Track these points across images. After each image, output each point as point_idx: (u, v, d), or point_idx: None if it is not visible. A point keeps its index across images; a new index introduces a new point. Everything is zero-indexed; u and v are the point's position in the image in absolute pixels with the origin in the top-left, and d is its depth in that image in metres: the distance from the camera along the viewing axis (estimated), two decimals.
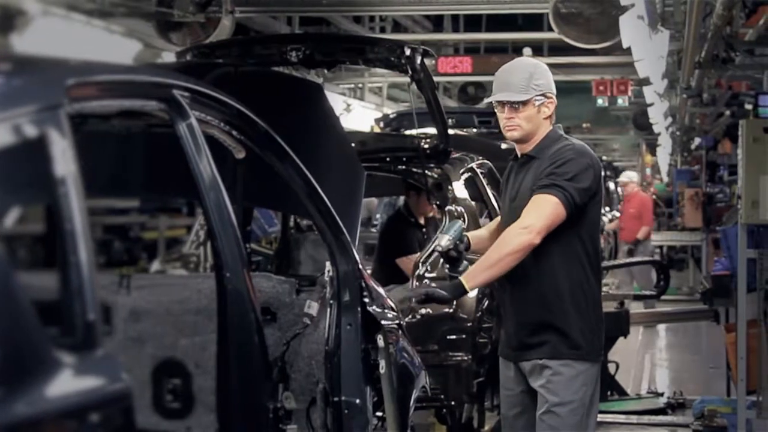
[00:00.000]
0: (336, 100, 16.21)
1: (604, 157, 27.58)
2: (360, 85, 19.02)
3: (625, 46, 9.08)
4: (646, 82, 14.54)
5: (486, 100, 4.69)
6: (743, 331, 7.13)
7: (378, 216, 12.10)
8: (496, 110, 4.63)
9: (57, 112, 2.60)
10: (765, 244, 7.04)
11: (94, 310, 2.49)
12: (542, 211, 4.40)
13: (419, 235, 7.99)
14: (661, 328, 15.05)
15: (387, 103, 19.72)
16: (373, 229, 11.23)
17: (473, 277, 4.43)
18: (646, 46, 9.46)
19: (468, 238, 4.65)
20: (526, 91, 4.55)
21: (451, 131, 12.53)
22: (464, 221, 7.21)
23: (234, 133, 3.71)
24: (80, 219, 2.54)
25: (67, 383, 2.36)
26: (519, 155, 4.69)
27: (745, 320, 7.13)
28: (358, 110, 17.06)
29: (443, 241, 4.55)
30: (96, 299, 2.50)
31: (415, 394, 4.95)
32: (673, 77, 15.06)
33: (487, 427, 8.19)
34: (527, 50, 15.52)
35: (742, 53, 8.94)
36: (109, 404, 2.45)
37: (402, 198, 10.87)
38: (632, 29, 8.40)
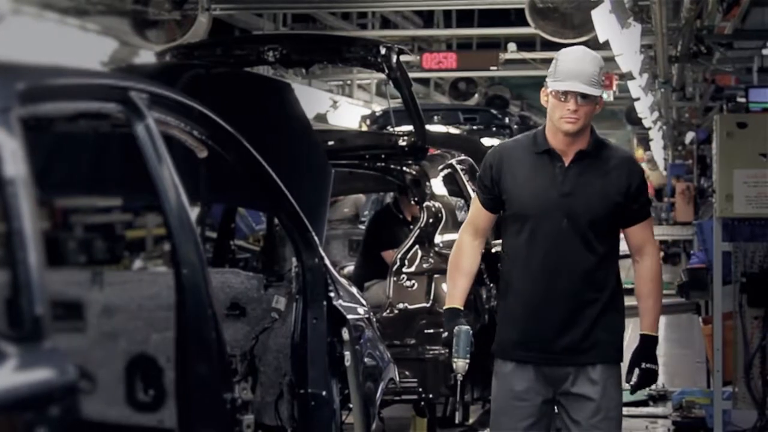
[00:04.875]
0: (322, 97, 16.21)
1: None
2: (348, 82, 19.00)
3: (601, 40, 9.14)
4: (629, 76, 14.60)
5: (554, 84, 4.28)
6: (719, 324, 7.20)
7: (366, 213, 12.13)
8: (551, 96, 4.30)
9: (7, 116, 2.71)
10: (739, 237, 7.12)
11: (42, 305, 2.59)
12: (653, 232, 4.53)
13: (405, 231, 8.08)
14: None
15: (376, 99, 19.65)
16: (361, 226, 11.27)
17: (655, 323, 4.49)
18: (621, 40, 9.52)
19: (472, 341, 4.44)
20: (599, 86, 4.29)
21: (442, 128, 12.68)
22: (444, 217, 7.32)
23: (195, 133, 3.80)
24: (29, 218, 2.64)
25: (9, 375, 2.47)
26: (557, 151, 4.38)
27: (721, 313, 7.21)
28: (345, 107, 17.01)
29: (460, 365, 4.39)
30: (44, 295, 2.61)
31: (382, 387, 5.05)
32: (654, 72, 15.11)
33: (471, 420, 8.27)
34: (512, 45, 15.55)
35: (715, 47, 8.99)
36: (54, 396, 2.55)
37: (390, 194, 10.96)
38: (605, 24, 8.45)
